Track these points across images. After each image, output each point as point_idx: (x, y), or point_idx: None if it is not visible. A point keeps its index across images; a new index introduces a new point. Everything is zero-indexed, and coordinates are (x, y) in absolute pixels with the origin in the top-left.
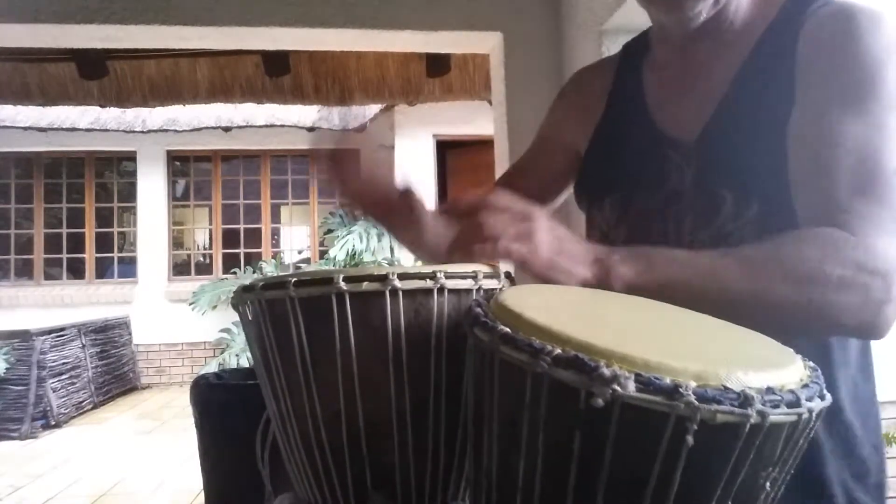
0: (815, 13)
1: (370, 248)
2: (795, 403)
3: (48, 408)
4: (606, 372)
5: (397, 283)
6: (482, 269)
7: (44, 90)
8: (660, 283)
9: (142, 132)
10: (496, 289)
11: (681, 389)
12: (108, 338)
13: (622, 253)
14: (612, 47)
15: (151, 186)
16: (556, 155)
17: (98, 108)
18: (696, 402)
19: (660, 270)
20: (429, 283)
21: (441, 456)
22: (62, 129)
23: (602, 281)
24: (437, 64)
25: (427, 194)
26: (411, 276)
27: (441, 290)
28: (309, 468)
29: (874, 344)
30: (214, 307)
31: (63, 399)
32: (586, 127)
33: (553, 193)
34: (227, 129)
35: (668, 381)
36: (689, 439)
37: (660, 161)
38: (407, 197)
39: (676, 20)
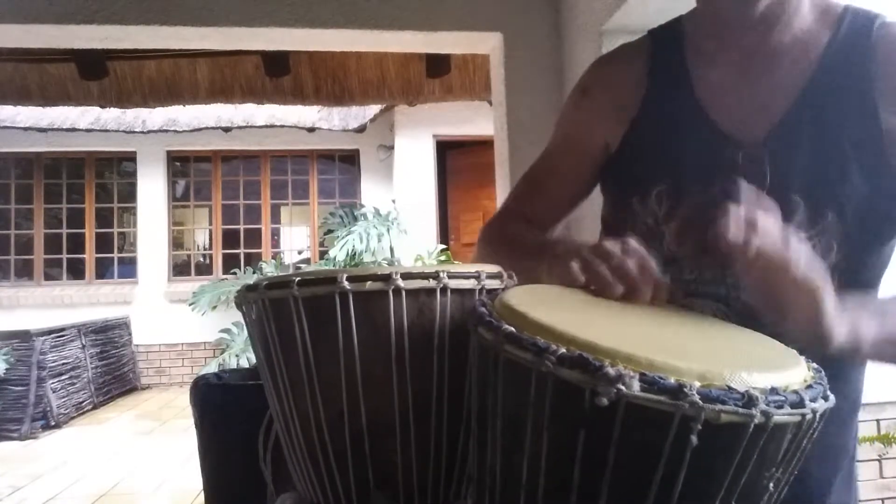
0: (884, 30)
1: (370, 248)
2: (799, 404)
3: (48, 408)
4: (611, 371)
5: (401, 283)
6: (485, 269)
7: (44, 90)
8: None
9: (142, 132)
10: (499, 289)
11: (685, 389)
12: (108, 338)
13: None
14: (612, 47)
15: (151, 187)
16: (588, 156)
17: (98, 108)
18: (700, 402)
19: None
20: (432, 283)
21: (443, 455)
22: (62, 129)
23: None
24: (437, 65)
25: (427, 196)
26: (415, 275)
27: (444, 289)
28: (311, 467)
29: None
30: (214, 308)
31: (63, 399)
32: (621, 120)
33: (584, 196)
34: (227, 130)
35: (672, 380)
36: (694, 439)
37: (719, 157)
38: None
39: (735, 2)
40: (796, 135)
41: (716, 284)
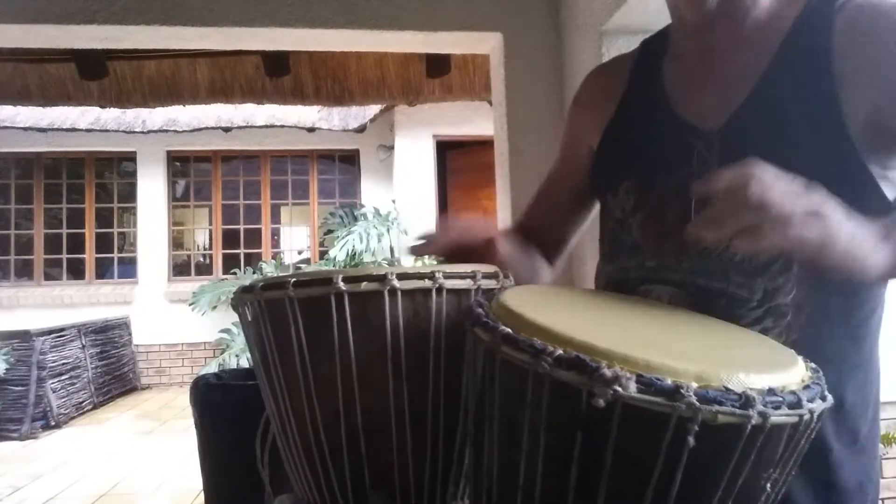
0: (843, 10)
1: (370, 248)
2: (797, 404)
3: (48, 408)
4: (608, 373)
5: (396, 284)
6: (481, 269)
7: (44, 90)
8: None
9: (142, 132)
10: (495, 289)
11: (682, 390)
12: (108, 338)
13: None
14: (612, 48)
15: (151, 187)
16: (580, 165)
17: (98, 108)
18: (697, 403)
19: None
20: (428, 283)
21: (440, 455)
22: (62, 129)
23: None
24: (437, 65)
25: (427, 196)
26: (410, 276)
27: (440, 290)
28: (308, 468)
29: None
30: (214, 308)
31: (63, 399)
32: (601, 123)
33: (588, 206)
34: (226, 130)
35: (669, 381)
36: (691, 440)
37: (680, 147)
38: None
39: (690, 2)
40: (754, 119)
41: (673, 271)
